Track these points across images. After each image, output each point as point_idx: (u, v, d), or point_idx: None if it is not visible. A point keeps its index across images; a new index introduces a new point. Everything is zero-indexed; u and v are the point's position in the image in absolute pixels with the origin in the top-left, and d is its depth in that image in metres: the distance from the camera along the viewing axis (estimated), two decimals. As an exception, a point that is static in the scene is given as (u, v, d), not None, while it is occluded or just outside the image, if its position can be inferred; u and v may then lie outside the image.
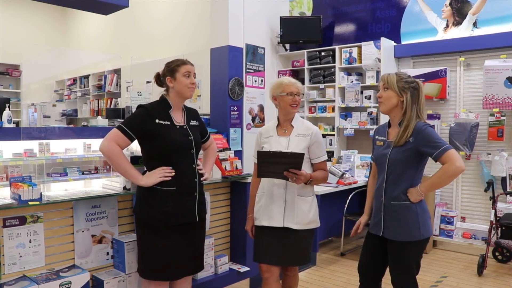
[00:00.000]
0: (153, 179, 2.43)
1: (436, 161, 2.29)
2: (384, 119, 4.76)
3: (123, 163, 2.41)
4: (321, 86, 5.94)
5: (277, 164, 2.48)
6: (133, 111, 2.56)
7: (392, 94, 2.39)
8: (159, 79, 2.60)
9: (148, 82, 4.16)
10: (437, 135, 2.36)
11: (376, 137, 2.56)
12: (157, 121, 2.45)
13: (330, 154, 5.72)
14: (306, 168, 2.59)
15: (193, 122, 2.65)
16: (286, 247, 2.62)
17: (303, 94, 2.77)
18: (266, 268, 2.66)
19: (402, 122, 2.39)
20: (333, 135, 5.83)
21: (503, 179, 4.71)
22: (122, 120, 2.52)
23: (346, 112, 5.73)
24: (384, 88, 2.42)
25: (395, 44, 5.46)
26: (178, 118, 2.56)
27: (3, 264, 2.42)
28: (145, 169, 2.58)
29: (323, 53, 5.94)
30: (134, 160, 2.75)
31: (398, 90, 2.37)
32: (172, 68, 2.53)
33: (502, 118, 4.67)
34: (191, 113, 2.67)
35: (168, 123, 2.49)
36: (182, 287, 2.67)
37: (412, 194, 2.34)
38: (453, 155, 2.24)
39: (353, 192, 4.74)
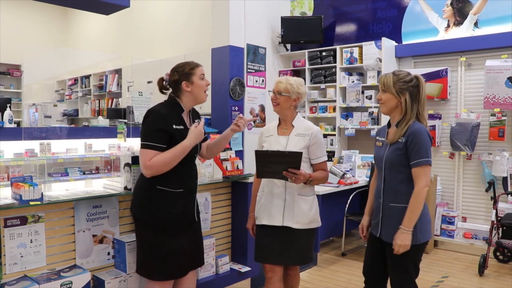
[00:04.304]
0: (197, 135, 2.42)
1: (410, 166, 2.29)
2: (384, 119, 4.76)
3: (171, 155, 2.33)
4: (322, 86, 5.94)
5: (275, 164, 2.48)
6: (149, 120, 2.39)
7: (390, 96, 2.36)
8: (163, 84, 2.52)
9: (149, 82, 4.15)
10: (429, 145, 2.30)
11: (377, 137, 2.54)
12: (174, 126, 2.39)
13: (331, 154, 5.73)
14: (305, 168, 2.58)
15: (196, 122, 2.63)
16: (287, 246, 2.62)
17: (288, 94, 2.68)
18: (269, 268, 2.66)
19: (401, 122, 2.36)
20: (334, 135, 5.83)
21: (504, 179, 4.71)
22: (144, 137, 2.35)
23: (347, 112, 5.73)
24: (382, 90, 2.40)
25: (396, 44, 5.46)
26: (187, 121, 2.53)
27: (4, 264, 2.42)
28: None
29: (324, 53, 5.94)
30: (135, 160, 2.75)
31: (395, 92, 2.33)
32: (187, 72, 2.45)
33: (503, 118, 4.66)
34: (194, 113, 2.65)
35: (182, 127, 2.44)
36: (187, 286, 2.67)
37: (399, 237, 2.23)
38: (425, 172, 2.25)
39: (354, 192, 4.74)
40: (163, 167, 2.34)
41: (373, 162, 2.62)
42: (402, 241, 2.23)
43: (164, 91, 2.57)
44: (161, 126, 2.35)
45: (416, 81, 2.37)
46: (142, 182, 2.51)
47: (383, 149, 2.43)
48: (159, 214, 2.42)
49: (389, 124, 2.48)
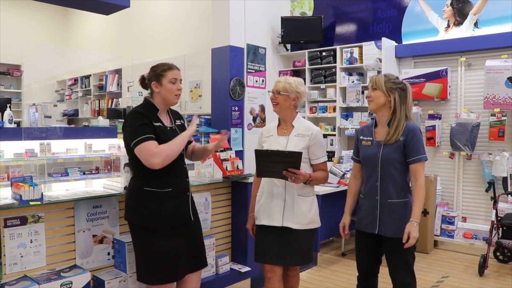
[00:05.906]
0: (193, 127, 2.54)
1: (408, 163, 2.45)
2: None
3: (176, 143, 2.39)
4: (322, 86, 5.94)
5: (275, 163, 2.48)
6: (130, 120, 2.40)
7: (380, 93, 2.49)
8: (144, 82, 2.55)
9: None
10: (423, 143, 2.50)
11: (361, 137, 2.63)
12: (153, 123, 2.39)
13: (331, 154, 5.72)
14: (305, 169, 2.58)
15: (178, 122, 2.62)
16: (286, 246, 2.62)
17: (286, 93, 2.68)
18: (269, 268, 2.66)
19: (392, 122, 2.49)
20: (334, 135, 5.83)
21: (504, 179, 4.71)
22: (134, 136, 2.34)
23: (347, 112, 5.73)
24: (372, 88, 2.53)
25: (396, 44, 5.46)
26: (165, 120, 2.52)
27: (4, 264, 2.42)
28: (132, 174, 2.51)
29: (324, 53, 5.94)
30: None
31: (385, 90, 2.48)
32: (158, 73, 2.45)
33: (503, 118, 4.66)
34: (174, 114, 2.65)
35: (161, 124, 2.45)
36: (191, 286, 2.65)
37: (413, 229, 2.37)
38: (423, 167, 2.46)
39: (354, 192, 4.73)
40: (169, 155, 2.33)
41: (353, 161, 2.73)
42: (416, 233, 2.37)
43: (145, 89, 2.58)
44: (144, 121, 2.36)
45: (404, 85, 2.53)
46: (131, 187, 2.51)
47: (374, 148, 2.53)
48: (150, 215, 2.40)
49: (375, 124, 2.59)
